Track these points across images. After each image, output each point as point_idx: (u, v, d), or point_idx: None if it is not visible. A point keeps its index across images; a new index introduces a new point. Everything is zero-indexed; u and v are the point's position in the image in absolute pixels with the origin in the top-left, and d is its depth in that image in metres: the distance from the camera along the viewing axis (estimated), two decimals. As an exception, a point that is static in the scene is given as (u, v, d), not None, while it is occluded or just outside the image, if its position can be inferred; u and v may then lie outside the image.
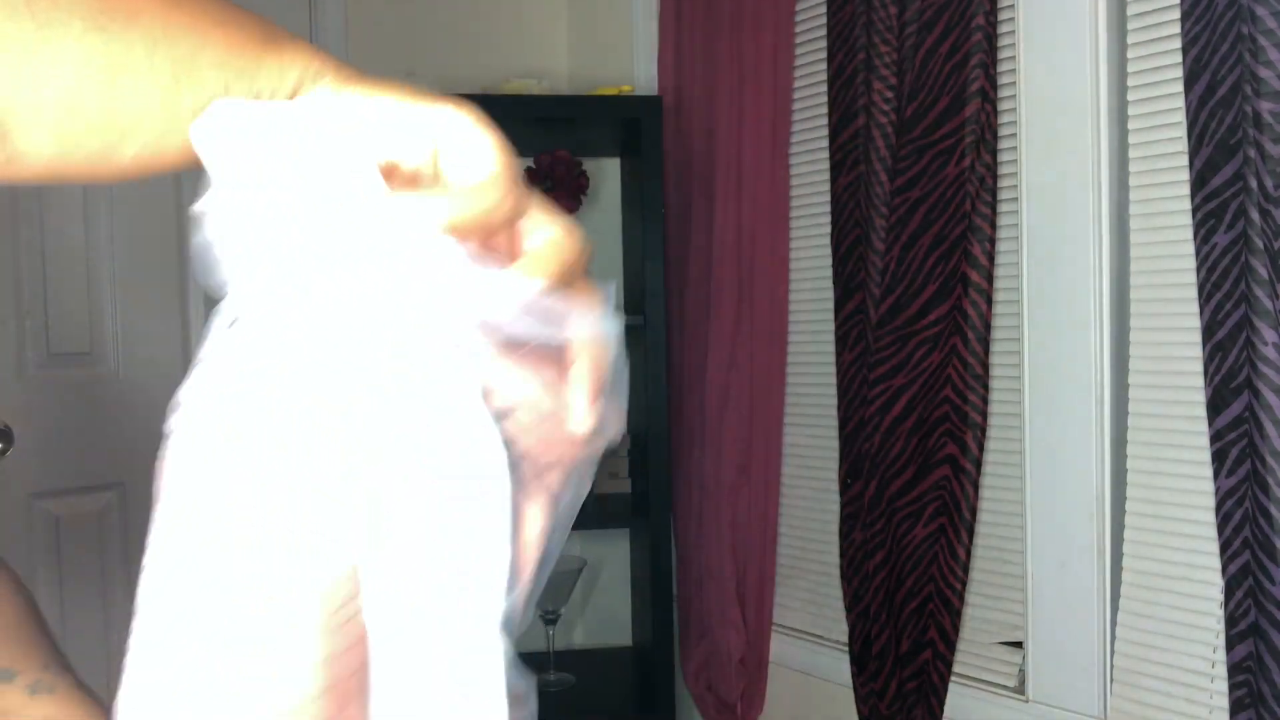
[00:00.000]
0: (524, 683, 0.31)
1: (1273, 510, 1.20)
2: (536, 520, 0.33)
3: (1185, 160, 1.34)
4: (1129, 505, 1.46)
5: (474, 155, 0.32)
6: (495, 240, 0.32)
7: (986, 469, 1.61)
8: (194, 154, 0.30)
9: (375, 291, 0.29)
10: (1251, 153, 1.21)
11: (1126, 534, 1.47)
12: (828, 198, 1.84)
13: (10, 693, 0.48)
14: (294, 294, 0.29)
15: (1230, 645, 1.27)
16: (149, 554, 0.28)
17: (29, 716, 0.48)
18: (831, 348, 1.83)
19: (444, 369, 0.30)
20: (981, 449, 1.58)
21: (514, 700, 0.31)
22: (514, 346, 0.31)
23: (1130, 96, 1.45)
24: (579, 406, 0.33)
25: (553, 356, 0.32)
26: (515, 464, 0.31)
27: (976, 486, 1.58)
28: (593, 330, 0.33)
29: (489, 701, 0.30)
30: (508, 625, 0.31)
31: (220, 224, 0.29)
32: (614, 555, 2.37)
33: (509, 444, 0.31)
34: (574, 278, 0.33)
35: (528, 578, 0.33)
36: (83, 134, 0.29)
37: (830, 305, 1.82)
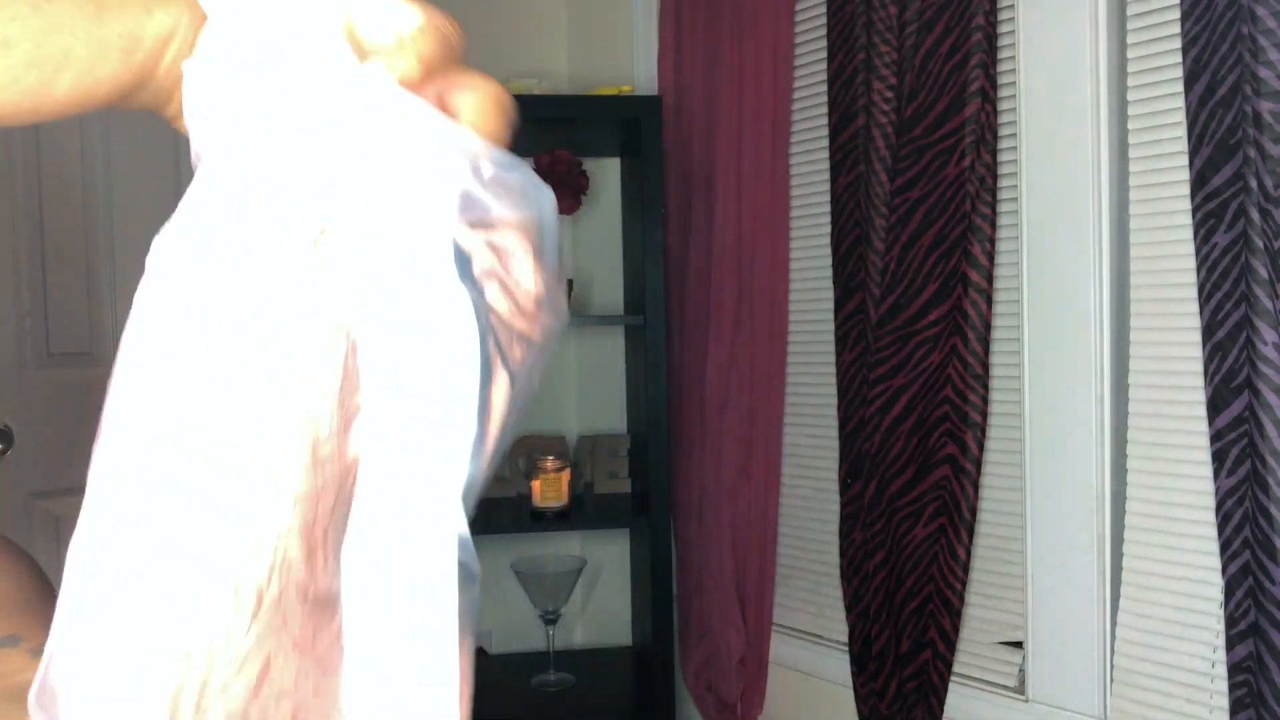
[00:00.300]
0: (473, 560, 0.31)
1: (1273, 510, 1.20)
2: (503, 392, 0.34)
3: (1185, 160, 1.34)
4: (1129, 505, 1.46)
5: (392, 13, 0.32)
6: (422, 96, 0.32)
7: (986, 469, 1.61)
8: (125, 84, 0.30)
9: (358, 153, 0.29)
10: (1251, 153, 1.21)
11: (1126, 534, 1.47)
12: (828, 198, 1.84)
13: (14, 655, 0.49)
14: (271, 163, 0.29)
15: (1230, 645, 1.27)
16: (107, 411, 0.29)
17: (29, 676, 0.49)
18: (831, 348, 1.83)
19: (422, 234, 0.30)
20: (981, 449, 1.58)
21: (465, 577, 0.31)
22: (472, 216, 0.32)
23: (1130, 96, 1.45)
24: (525, 270, 0.33)
25: (496, 225, 0.33)
26: (483, 336, 0.32)
27: (976, 486, 1.58)
28: (527, 196, 0.33)
29: (440, 573, 0.30)
30: (468, 496, 0.31)
31: (200, 88, 0.29)
32: (614, 555, 2.37)
33: (478, 314, 0.31)
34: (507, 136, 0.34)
35: (491, 449, 0.33)
36: (16, 68, 0.29)
37: (830, 305, 1.82)
